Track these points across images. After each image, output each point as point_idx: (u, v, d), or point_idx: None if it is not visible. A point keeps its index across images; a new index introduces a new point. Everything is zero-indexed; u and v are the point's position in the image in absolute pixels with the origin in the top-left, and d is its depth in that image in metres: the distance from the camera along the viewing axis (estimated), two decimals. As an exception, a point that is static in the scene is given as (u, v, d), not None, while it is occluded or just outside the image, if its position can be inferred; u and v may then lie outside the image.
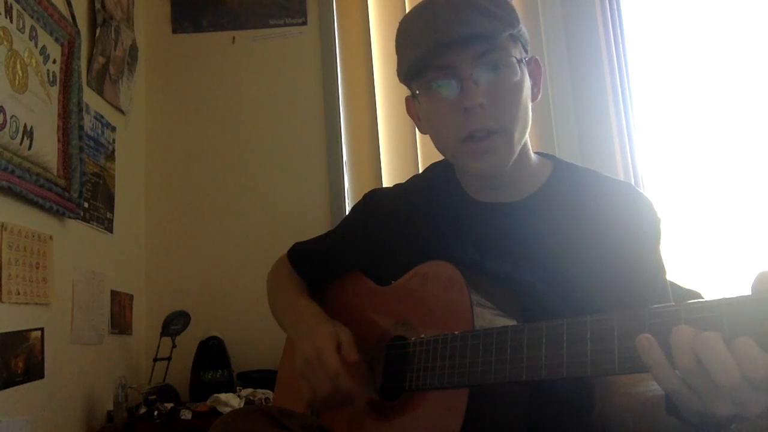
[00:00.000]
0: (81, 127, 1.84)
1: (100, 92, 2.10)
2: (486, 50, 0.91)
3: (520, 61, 0.94)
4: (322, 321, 1.04)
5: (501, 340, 0.78)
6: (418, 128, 1.08)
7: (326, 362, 0.94)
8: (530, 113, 0.98)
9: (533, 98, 1.00)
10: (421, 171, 1.21)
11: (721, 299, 0.58)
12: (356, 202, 1.27)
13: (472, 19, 0.90)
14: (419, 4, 0.98)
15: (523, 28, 0.96)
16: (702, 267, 2.13)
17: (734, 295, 0.57)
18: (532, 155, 1.05)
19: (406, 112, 1.09)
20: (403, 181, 1.24)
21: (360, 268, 1.19)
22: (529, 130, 0.99)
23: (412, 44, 0.96)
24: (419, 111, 1.03)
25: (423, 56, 0.93)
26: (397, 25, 1.02)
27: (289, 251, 1.32)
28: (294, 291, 1.21)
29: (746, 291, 0.57)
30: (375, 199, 1.22)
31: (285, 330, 1.22)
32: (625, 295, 0.90)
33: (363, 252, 1.18)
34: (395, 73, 1.04)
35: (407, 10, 2.44)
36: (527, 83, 0.97)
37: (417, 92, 0.99)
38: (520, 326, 0.77)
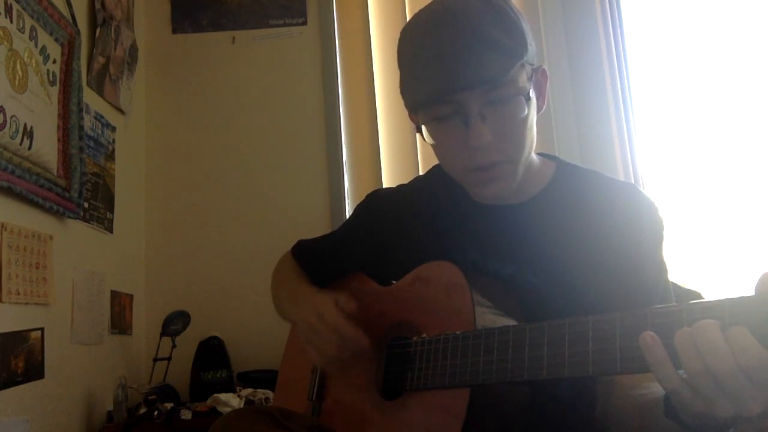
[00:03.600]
0: (81, 127, 1.84)
1: (100, 92, 2.09)
2: (495, 87, 0.89)
3: (527, 96, 0.92)
4: (319, 291, 1.09)
5: (502, 340, 0.78)
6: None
7: (327, 317, 0.98)
8: (535, 130, 0.97)
9: (538, 110, 0.98)
10: (421, 171, 1.21)
11: (723, 299, 0.58)
12: (357, 201, 1.27)
13: (482, 57, 0.87)
14: (424, 25, 0.94)
15: (531, 47, 0.93)
16: (702, 267, 2.13)
17: (737, 296, 0.57)
18: (535, 157, 1.05)
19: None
20: (404, 180, 1.24)
21: (362, 268, 1.19)
22: (534, 145, 0.98)
23: (418, 78, 0.93)
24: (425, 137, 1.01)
25: (431, 97, 0.91)
26: (398, 29, 0.99)
27: (293, 248, 1.33)
28: (296, 280, 1.23)
29: (749, 291, 0.57)
30: (378, 200, 1.22)
31: (287, 317, 1.21)
32: (626, 297, 0.90)
33: (365, 252, 1.18)
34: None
35: (407, 11, 2.45)
36: (533, 110, 0.95)
37: (422, 122, 0.97)
38: (521, 326, 0.77)
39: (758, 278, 0.56)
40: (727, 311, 0.57)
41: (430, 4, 0.96)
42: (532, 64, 0.95)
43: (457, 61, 0.87)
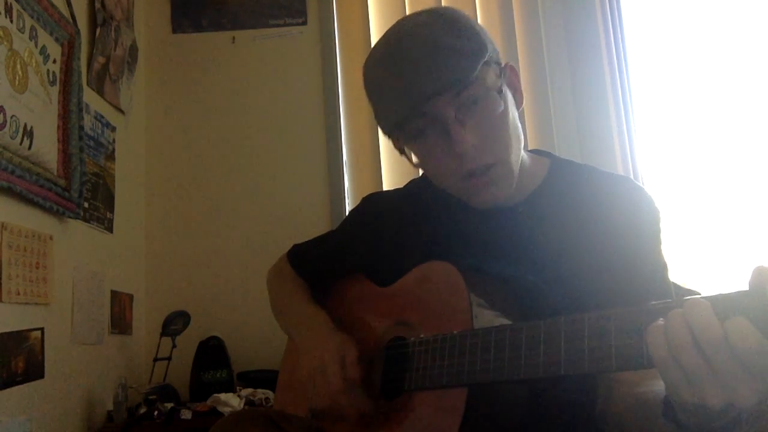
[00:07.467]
0: (81, 127, 1.85)
1: (100, 92, 2.10)
2: (463, 89, 0.89)
3: (500, 91, 0.92)
4: (329, 333, 1.04)
5: (499, 339, 0.78)
6: (410, 162, 1.05)
7: (329, 378, 0.96)
8: (519, 127, 0.97)
9: (518, 105, 0.98)
10: (421, 171, 1.20)
11: (717, 294, 0.57)
12: (357, 201, 1.26)
13: (441, 63, 0.88)
14: (380, 52, 0.97)
15: (491, 46, 0.93)
16: (701, 263, 2.13)
17: (731, 291, 0.57)
18: (526, 155, 1.04)
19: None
20: (404, 180, 1.24)
21: (359, 271, 1.19)
22: (522, 142, 0.98)
23: (386, 100, 0.95)
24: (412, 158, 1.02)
25: (403, 113, 0.92)
26: (367, 63, 1.01)
27: (288, 253, 1.31)
28: (300, 297, 1.21)
29: (744, 287, 0.57)
30: (373, 203, 1.22)
31: (288, 334, 1.22)
32: (624, 293, 0.89)
33: (361, 256, 1.18)
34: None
35: (407, 11, 2.45)
36: (511, 105, 0.95)
37: (403, 144, 0.98)
38: (518, 325, 0.77)
39: (751, 272, 0.56)
40: (722, 305, 0.57)
41: (383, 35, 1.00)
42: (498, 63, 0.95)
43: (418, 72, 0.89)
